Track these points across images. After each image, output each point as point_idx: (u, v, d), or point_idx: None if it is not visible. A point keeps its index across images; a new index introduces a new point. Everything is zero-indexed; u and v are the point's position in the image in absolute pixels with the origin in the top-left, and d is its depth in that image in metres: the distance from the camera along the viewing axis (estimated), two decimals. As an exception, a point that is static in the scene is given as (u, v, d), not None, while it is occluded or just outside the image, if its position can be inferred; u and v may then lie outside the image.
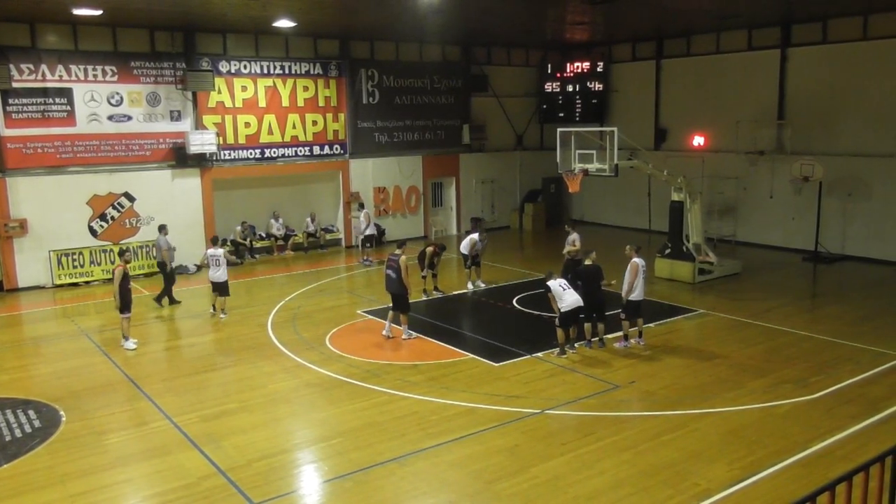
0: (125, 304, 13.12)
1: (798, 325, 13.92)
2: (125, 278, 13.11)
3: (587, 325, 12.72)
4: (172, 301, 16.44)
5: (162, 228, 16.71)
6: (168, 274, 16.30)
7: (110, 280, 18.57)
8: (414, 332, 13.48)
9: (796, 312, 14.99)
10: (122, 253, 14.20)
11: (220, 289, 15.22)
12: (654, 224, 24.21)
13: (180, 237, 19.90)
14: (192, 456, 8.88)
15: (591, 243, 16.36)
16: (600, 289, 12.66)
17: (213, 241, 15.73)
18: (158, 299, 16.33)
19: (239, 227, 21.37)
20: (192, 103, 20.08)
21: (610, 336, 13.01)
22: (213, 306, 15.51)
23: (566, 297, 12.12)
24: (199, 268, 20.10)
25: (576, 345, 12.66)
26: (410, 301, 13.61)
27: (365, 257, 20.92)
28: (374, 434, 9.37)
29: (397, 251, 13.47)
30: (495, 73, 26.08)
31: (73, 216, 18.64)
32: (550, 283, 12.31)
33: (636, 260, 12.62)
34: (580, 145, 16.58)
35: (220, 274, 15.08)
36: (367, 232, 20.91)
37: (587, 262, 12.93)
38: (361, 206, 22.48)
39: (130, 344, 13.28)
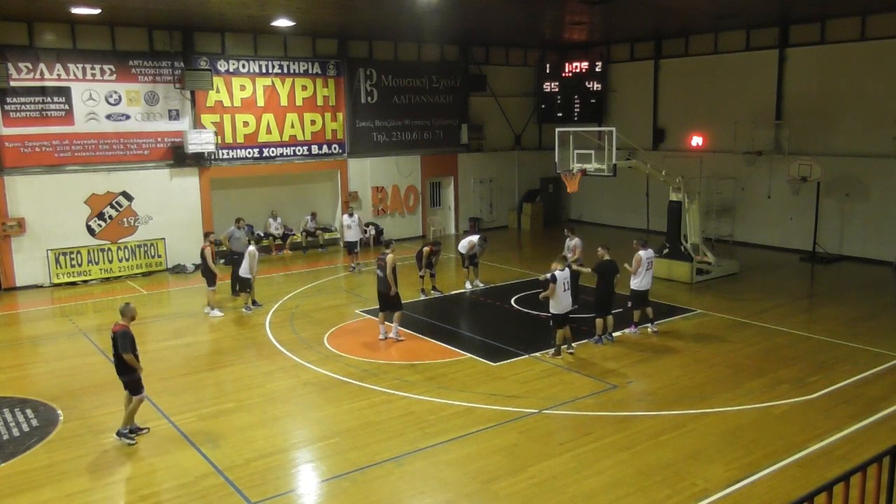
0: (211, 279, 15.22)
1: (796, 325, 13.95)
2: (209, 257, 15.08)
3: (598, 322, 12.95)
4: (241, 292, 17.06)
5: (238, 221, 17.57)
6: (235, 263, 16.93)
7: (108, 279, 18.85)
8: (403, 332, 13.53)
9: (794, 313, 15.01)
10: (207, 234, 15.72)
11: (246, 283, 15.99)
12: (652, 224, 24.22)
13: (177, 236, 19.99)
14: (189, 455, 8.88)
15: (589, 243, 16.38)
16: (614, 283, 12.99)
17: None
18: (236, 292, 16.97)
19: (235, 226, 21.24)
20: (191, 102, 20.07)
21: (617, 333, 13.26)
22: (254, 301, 15.97)
23: (563, 299, 12.04)
24: (196, 267, 20.08)
25: (586, 341, 12.92)
26: (410, 300, 13.57)
27: (354, 264, 19.91)
28: (372, 433, 9.37)
29: (385, 251, 13.51)
30: (493, 73, 26.08)
31: (71, 215, 18.62)
32: (558, 273, 11.96)
33: (640, 253, 13.26)
34: (578, 145, 16.60)
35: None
36: (353, 238, 19.93)
37: (605, 258, 13.15)
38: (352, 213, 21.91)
39: (216, 312, 15.28)
